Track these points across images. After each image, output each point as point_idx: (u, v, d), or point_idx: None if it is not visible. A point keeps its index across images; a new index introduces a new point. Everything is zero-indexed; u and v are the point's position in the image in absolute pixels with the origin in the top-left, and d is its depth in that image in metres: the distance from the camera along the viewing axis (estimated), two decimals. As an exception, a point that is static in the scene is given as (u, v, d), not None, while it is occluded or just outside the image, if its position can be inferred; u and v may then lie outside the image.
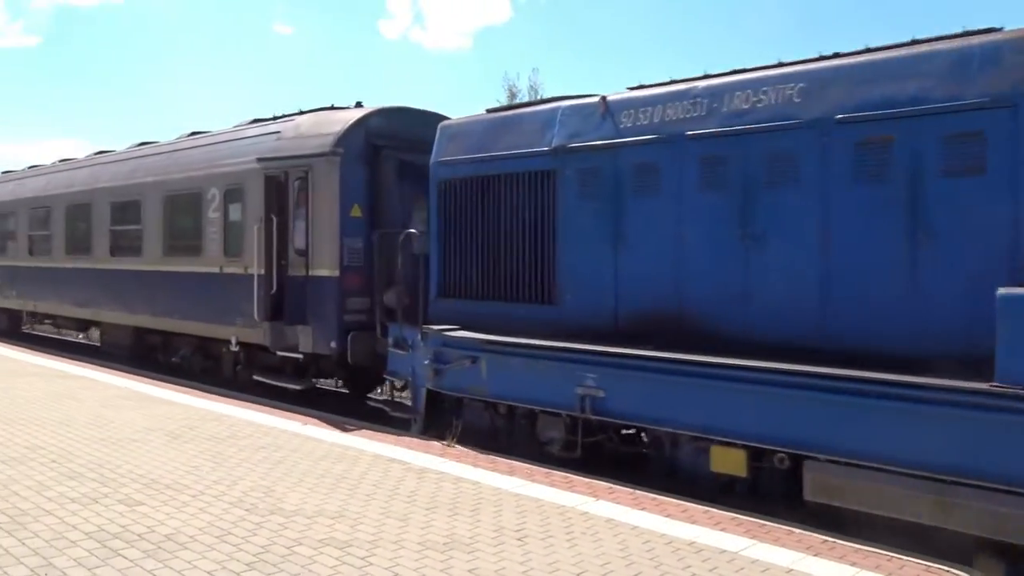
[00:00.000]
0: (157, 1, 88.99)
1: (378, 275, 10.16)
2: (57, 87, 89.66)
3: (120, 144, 18.19)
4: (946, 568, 5.17)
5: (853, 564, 5.12)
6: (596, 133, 8.04)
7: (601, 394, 7.36)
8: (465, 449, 8.18)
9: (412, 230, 9.61)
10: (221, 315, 11.98)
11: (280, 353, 11.02)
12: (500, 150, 8.82)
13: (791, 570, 4.98)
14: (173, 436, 8.32)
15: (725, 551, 5.30)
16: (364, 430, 8.97)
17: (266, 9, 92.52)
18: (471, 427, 8.58)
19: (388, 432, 8.91)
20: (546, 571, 4.85)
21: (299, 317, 10.72)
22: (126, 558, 4.88)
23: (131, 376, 12.76)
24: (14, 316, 19.85)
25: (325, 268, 10.49)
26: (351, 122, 10.70)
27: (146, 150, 15.18)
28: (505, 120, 9.12)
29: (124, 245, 14.75)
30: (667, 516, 6.04)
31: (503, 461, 7.67)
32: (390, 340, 9.58)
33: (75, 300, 16.25)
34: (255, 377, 11.64)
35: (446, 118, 10.26)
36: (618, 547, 5.30)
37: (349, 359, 10.18)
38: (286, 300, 10.97)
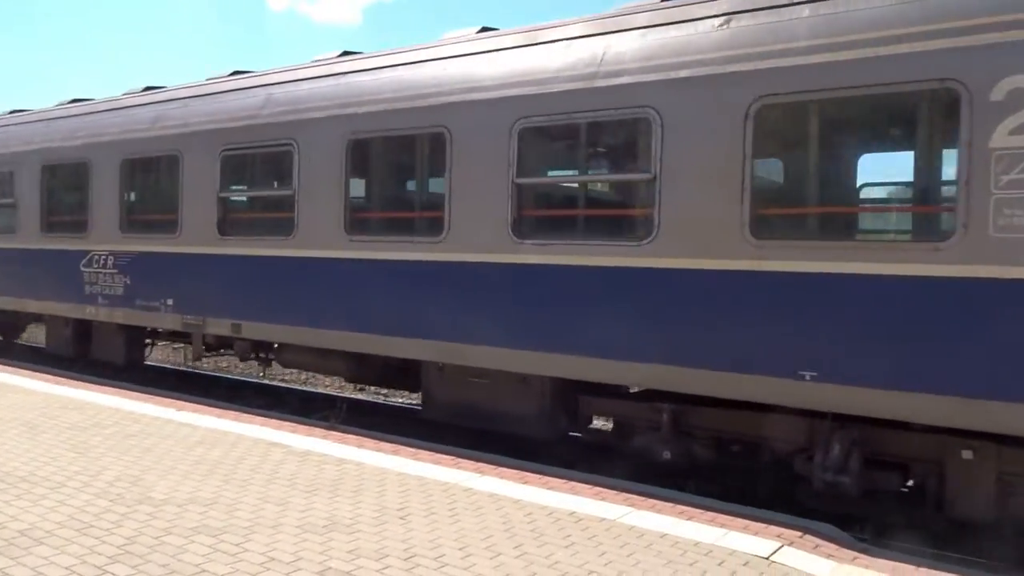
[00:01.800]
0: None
1: None
2: None
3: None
4: (810, 526, 5.49)
5: (723, 526, 5.36)
6: None
7: None
8: (350, 430, 8.03)
9: None
10: None
11: None
12: None
13: (665, 534, 5.16)
14: (30, 426, 7.76)
15: (604, 519, 5.43)
16: (244, 414, 8.65)
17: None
18: None
19: (268, 416, 8.63)
20: (428, 547, 4.82)
21: None
22: (-28, 557, 4.52)
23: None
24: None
25: None
26: None
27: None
28: None
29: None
30: (550, 488, 6.13)
31: (388, 441, 7.57)
32: None
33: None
34: None
35: None
36: (501, 520, 5.34)
37: None
38: None
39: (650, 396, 7.01)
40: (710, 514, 5.62)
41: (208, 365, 14.06)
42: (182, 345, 11.88)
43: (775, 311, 5.98)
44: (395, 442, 7.55)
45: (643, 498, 5.97)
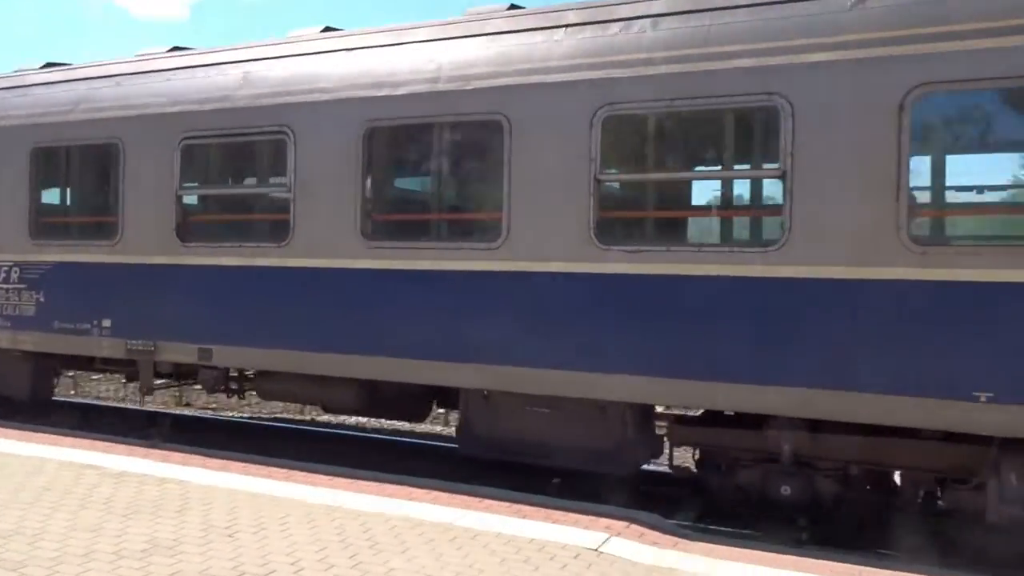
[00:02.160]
0: None
1: None
2: None
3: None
4: (636, 516, 5.79)
5: (556, 522, 5.55)
6: None
7: None
8: (174, 447, 7.58)
9: None
10: None
11: None
12: None
13: (500, 533, 5.27)
14: None
15: (440, 523, 5.46)
16: (49, 435, 7.95)
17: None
18: None
19: (79, 436, 7.97)
20: (256, 564, 4.64)
21: None
22: None
23: None
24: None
25: None
26: None
27: None
28: None
29: None
30: (387, 496, 6.09)
31: (216, 457, 7.22)
32: None
33: None
34: None
35: None
36: (335, 531, 5.24)
37: None
38: None
39: (723, 421, 6.44)
40: (544, 511, 5.79)
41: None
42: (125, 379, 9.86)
43: (945, 325, 5.28)
44: (225, 458, 7.21)
45: (478, 499, 6.05)
